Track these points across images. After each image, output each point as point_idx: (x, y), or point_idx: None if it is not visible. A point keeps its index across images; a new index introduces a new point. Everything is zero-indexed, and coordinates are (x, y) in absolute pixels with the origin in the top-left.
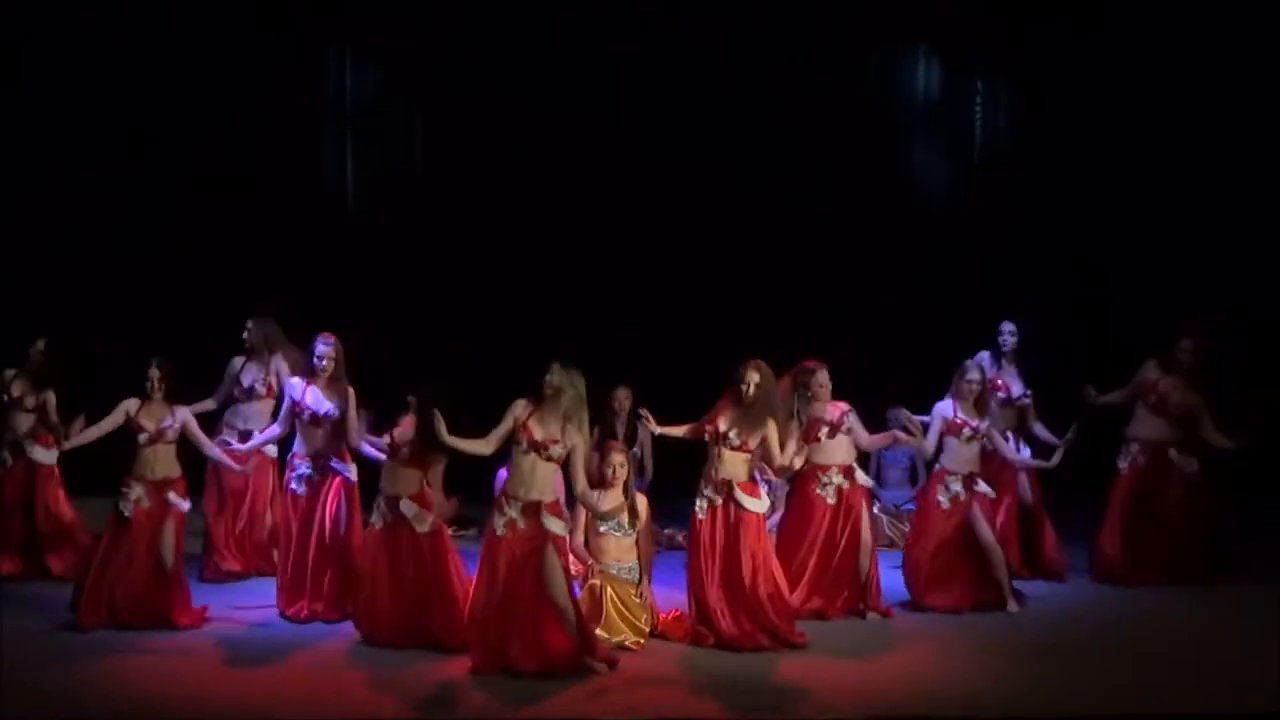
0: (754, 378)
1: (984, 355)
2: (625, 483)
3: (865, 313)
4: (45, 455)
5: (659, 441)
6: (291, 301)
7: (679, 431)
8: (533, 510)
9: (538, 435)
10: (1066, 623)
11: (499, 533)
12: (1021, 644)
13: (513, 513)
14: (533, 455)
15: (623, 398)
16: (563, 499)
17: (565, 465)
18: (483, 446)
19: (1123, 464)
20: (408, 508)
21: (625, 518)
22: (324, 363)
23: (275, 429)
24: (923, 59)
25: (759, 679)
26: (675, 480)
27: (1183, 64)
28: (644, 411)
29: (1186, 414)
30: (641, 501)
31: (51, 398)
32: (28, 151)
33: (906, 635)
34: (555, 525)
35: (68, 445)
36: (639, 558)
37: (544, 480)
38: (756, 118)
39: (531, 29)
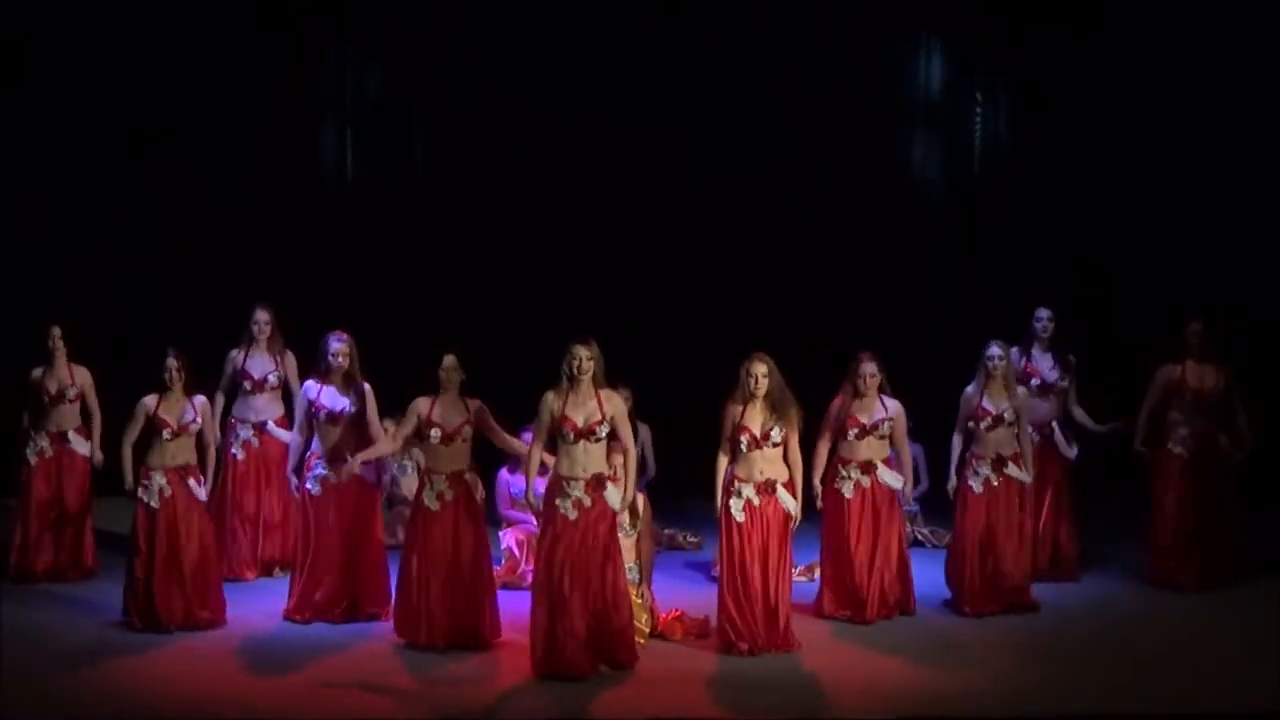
0: (760, 370)
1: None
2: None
3: (864, 314)
4: (82, 445)
5: (660, 442)
6: (290, 300)
7: (724, 467)
8: (595, 484)
9: (580, 423)
10: (1067, 623)
11: (570, 516)
12: (1022, 644)
13: (576, 492)
14: (582, 442)
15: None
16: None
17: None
18: (535, 453)
19: (1174, 448)
20: (471, 479)
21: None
22: (339, 360)
23: (297, 438)
24: (923, 60)
25: (758, 679)
26: (676, 480)
27: (1182, 64)
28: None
29: (1225, 392)
30: (642, 501)
31: (87, 376)
32: (26, 150)
33: (907, 635)
34: (614, 497)
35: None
36: (639, 558)
37: (599, 455)
38: (756, 118)
39: (531, 29)
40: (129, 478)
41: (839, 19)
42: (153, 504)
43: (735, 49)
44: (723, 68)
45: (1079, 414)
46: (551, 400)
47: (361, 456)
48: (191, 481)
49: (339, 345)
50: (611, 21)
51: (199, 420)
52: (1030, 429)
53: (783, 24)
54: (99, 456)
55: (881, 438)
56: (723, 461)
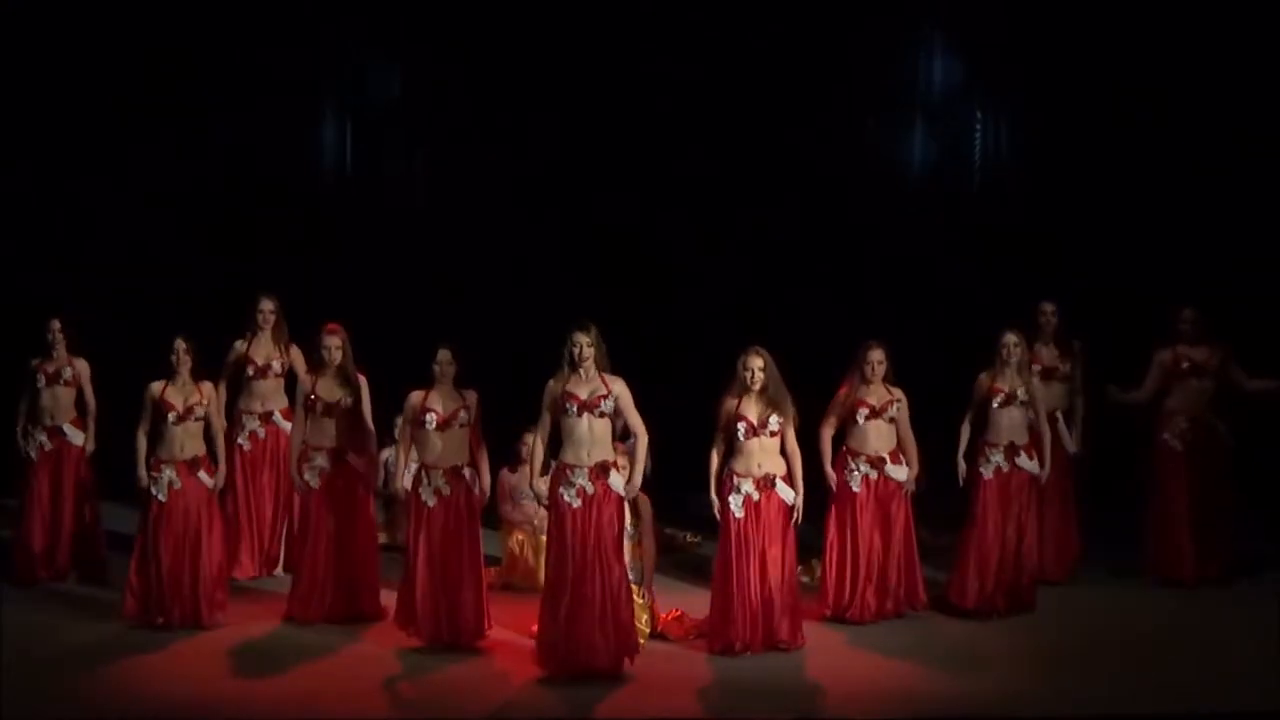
0: (756, 363)
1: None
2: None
3: (865, 312)
4: (78, 436)
5: (659, 441)
6: (287, 297)
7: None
8: (600, 471)
9: (583, 396)
10: (1067, 622)
11: (575, 505)
12: (1022, 644)
13: (580, 480)
14: (586, 417)
15: None
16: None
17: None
18: (537, 442)
19: (1170, 439)
20: (470, 475)
21: (628, 518)
22: (333, 353)
23: (298, 436)
24: (924, 60)
25: (758, 679)
26: (676, 479)
27: (1179, 68)
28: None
29: (1221, 368)
30: (643, 501)
31: (85, 367)
32: (21, 143)
33: (908, 636)
34: (619, 483)
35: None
36: (641, 558)
37: (604, 439)
38: (757, 119)
39: (529, 31)
40: (142, 469)
41: (839, 25)
42: (160, 497)
43: (737, 49)
44: (722, 68)
45: (1077, 406)
46: (554, 385)
47: (367, 462)
48: (202, 473)
49: (332, 339)
50: (612, 23)
51: (205, 404)
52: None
53: (784, 35)
54: (92, 446)
55: (890, 420)
56: (715, 456)
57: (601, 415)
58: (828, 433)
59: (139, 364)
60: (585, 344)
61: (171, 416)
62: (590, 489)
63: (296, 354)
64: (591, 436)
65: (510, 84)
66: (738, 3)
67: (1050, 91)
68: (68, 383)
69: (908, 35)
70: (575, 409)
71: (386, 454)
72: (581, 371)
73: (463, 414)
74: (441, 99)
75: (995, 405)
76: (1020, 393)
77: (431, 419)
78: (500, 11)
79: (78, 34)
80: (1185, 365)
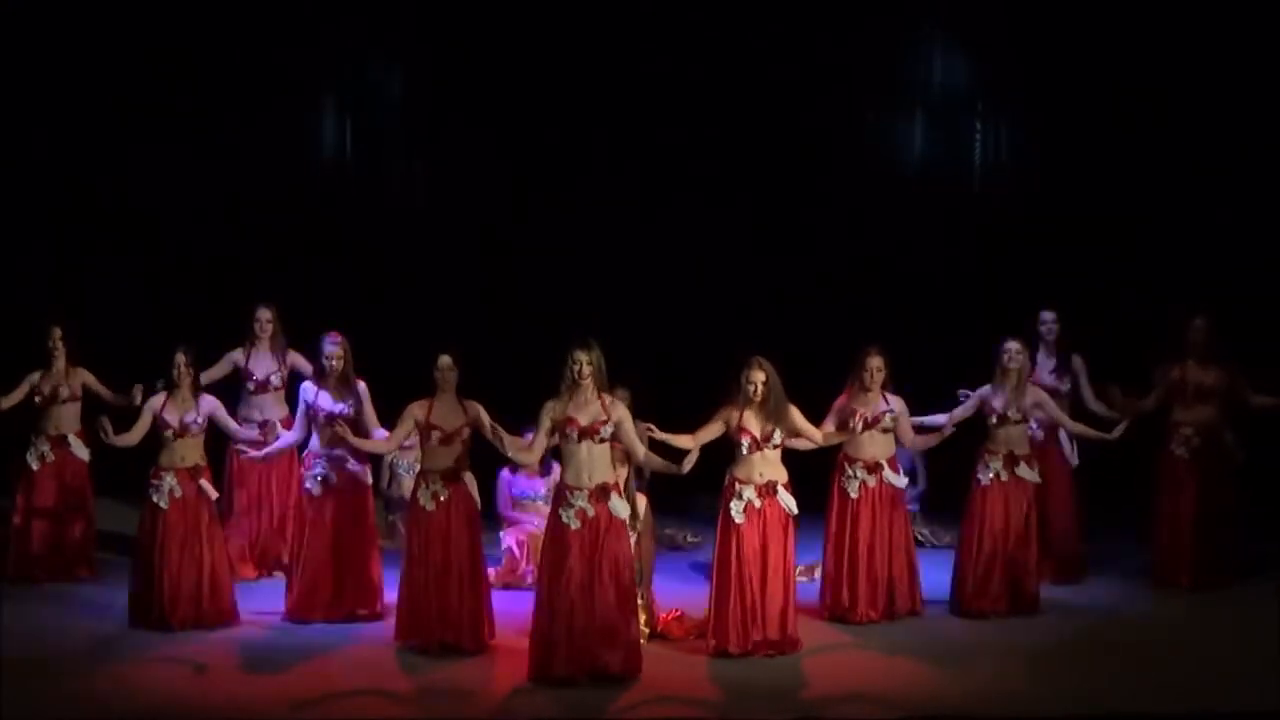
0: (759, 377)
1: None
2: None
3: (866, 316)
4: (82, 450)
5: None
6: (287, 298)
7: (684, 441)
8: (601, 494)
9: (584, 422)
10: (1068, 623)
11: (573, 527)
12: (1022, 645)
13: (580, 502)
14: (585, 442)
15: (621, 398)
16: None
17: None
18: (526, 455)
19: (1178, 449)
20: (469, 480)
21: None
22: (333, 362)
23: (291, 435)
24: (924, 62)
25: (758, 680)
26: (675, 480)
27: (1179, 68)
28: (650, 428)
29: (1229, 387)
30: (642, 501)
31: (89, 376)
32: (21, 143)
33: (908, 636)
34: (620, 508)
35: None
36: (640, 558)
37: (604, 462)
38: (755, 121)
39: (531, 34)
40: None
41: (842, 19)
42: (162, 504)
43: (737, 48)
44: (722, 67)
45: (1098, 408)
46: (553, 407)
47: (357, 441)
48: (203, 481)
49: (333, 348)
50: (613, 23)
51: (202, 422)
52: (1035, 427)
53: (785, 25)
54: (138, 396)
55: (885, 430)
56: (699, 437)
57: (601, 441)
58: (821, 434)
59: (138, 367)
60: (585, 362)
61: (168, 434)
62: (590, 511)
63: (296, 358)
64: (591, 460)
65: (511, 84)
66: (738, 2)
67: (1050, 91)
68: (65, 401)
69: (908, 34)
70: (575, 434)
71: (390, 457)
72: (581, 393)
73: (465, 429)
74: (441, 99)
75: (992, 423)
76: (1012, 413)
77: (437, 436)
78: (500, 11)
79: (79, 34)
80: (1192, 390)
